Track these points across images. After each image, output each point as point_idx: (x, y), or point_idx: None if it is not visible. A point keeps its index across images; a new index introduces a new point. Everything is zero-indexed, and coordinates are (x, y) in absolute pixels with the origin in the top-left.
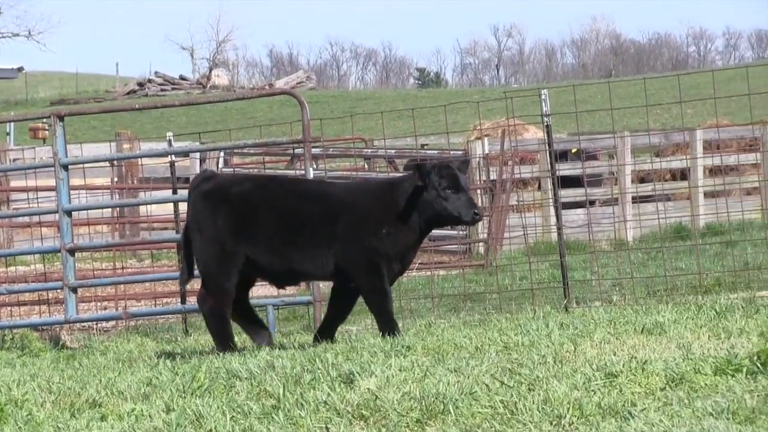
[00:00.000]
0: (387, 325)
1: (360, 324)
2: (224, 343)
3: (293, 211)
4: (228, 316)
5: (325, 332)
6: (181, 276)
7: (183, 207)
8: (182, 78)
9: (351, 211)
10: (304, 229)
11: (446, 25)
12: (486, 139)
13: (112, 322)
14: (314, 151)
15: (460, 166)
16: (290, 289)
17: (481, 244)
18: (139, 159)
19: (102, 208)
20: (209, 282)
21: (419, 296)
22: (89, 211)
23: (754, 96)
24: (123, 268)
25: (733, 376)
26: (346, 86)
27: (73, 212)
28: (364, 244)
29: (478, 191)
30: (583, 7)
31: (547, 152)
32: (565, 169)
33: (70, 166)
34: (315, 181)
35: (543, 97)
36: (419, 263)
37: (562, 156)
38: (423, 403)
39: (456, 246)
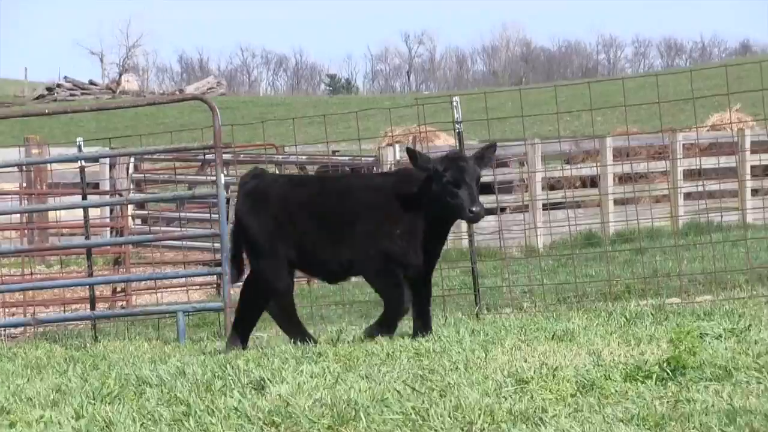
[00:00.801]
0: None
1: (271, 330)
2: (294, 331)
3: (324, 211)
4: (290, 307)
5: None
6: (231, 274)
7: (93, 212)
8: (92, 83)
9: (370, 208)
10: (332, 227)
11: (357, 31)
12: (397, 145)
13: (21, 329)
14: (225, 156)
15: (485, 152)
16: (200, 296)
17: None
18: (48, 164)
19: (10, 213)
20: (261, 280)
21: (330, 302)
22: None
23: (663, 104)
24: (31, 273)
25: (643, 382)
26: (257, 92)
27: None
28: (378, 243)
29: None
30: (493, 15)
31: None
32: None
33: None
34: (349, 177)
35: (454, 104)
36: None
37: None
38: (334, 410)
39: None
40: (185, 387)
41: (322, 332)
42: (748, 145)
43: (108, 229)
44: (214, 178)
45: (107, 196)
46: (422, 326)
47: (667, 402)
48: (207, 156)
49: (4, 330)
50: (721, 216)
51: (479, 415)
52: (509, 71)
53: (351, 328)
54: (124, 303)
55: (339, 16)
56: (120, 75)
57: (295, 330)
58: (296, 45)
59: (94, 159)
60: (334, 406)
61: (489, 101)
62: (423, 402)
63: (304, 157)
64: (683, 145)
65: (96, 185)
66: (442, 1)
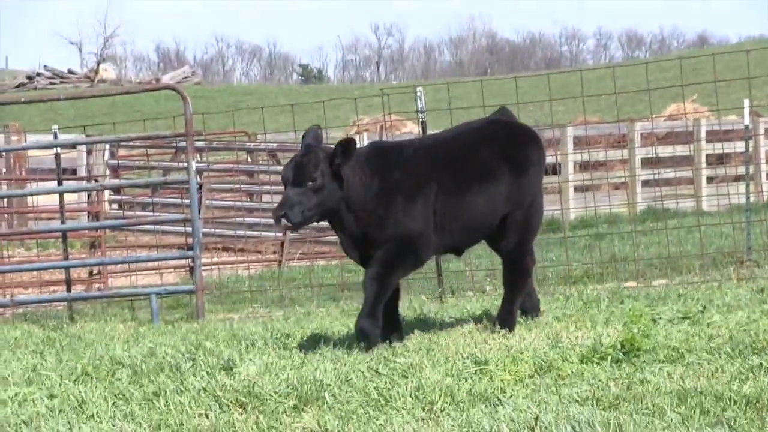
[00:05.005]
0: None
1: (241, 312)
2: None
3: None
4: None
5: None
6: None
7: (70, 197)
8: (71, 72)
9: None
10: None
11: (329, 23)
12: (365, 134)
13: (0, 310)
14: (198, 144)
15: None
16: (174, 278)
17: None
18: (26, 151)
19: None
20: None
21: (299, 285)
22: None
23: (624, 94)
24: (10, 256)
25: (598, 364)
26: (231, 81)
27: None
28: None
29: None
30: (461, 7)
31: None
32: None
33: None
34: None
35: (418, 94)
36: (300, 253)
37: None
38: (300, 390)
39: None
40: (156, 367)
41: (290, 314)
42: (703, 135)
43: (85, 213)
44: (186, 164)
45: (84, 182)
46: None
47: (621, 383)
48: (180, 143)
49: None
50: (677, 203)
51: (440, 396)
52: (475, 62)
53: (319, 310)
54: (101, 285)
55: (311, 7)
56: (98, 64)
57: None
58: (270, 35)
59: (71, 146)
60: (300, 386)
61: (456, 91)
62: (386, 383)
63: (274, 144)
64: (641, 134)
65: (74, 171)
66: None
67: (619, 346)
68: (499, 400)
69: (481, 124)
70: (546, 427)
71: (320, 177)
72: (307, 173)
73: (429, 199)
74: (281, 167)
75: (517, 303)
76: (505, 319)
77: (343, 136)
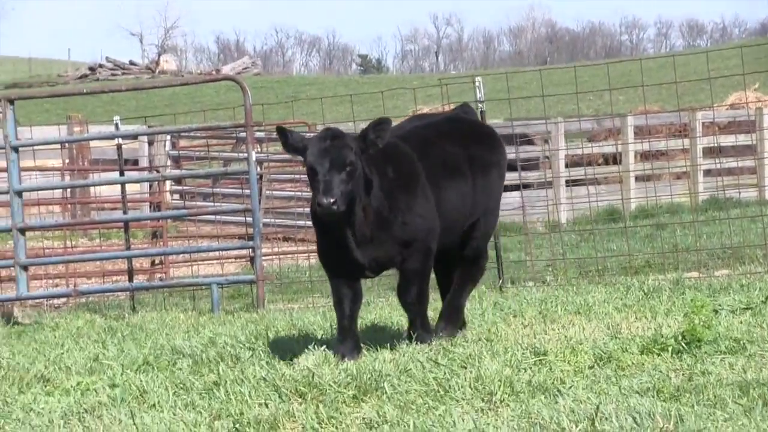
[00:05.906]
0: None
1: (301, 302)
2: None
3: None
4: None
5: None
6: None
7: (133, 188)
8: (132, 63)
9: None
10: None
11: (387, 13)
12: None
13: (63, 299)
14: (258, 134)
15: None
16: (235, 268)
17: None
18: (89, 141)
19: (52, 189)
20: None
21: None
22: (41, 191)
23: (686, 83)
24: (73, 246)
25: (659, 355)
26: (291, 72)
27: (24, 192)
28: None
29: None
30: None
31: None
32: None
33: (21, 148)
34: None
35: (477, 84)
36: None
37: None
38: (359, 380)
39: None
40: (216, 357)
41: None
42: (766, 123)
43: (147, 203)
44: (246, 155)
45: (145, 173)
46: None
47: (682, 374)
48: (240, 134)
49: (47, 300)
50: (740, 192)
51: (499, 386)
52: (534, 51)
53: (379, 300)
54: (163, 275)
55: None
56: (159, 55)
57: None
58: (329, 26)
59: (132, 137)
60: (359, 376)
61: (516, 80)
62: (445, 373)
63: None
64: (703, 123)
65: (135, 162)
66: None
67: (680, 337)
68: (558, 390)
69: (442, 120)
70: (606, 418)
71: (357, 161)
72: (345, 157)
73: (426, 191)
74: None
75: (467, 299)
76: (451, 317)
77: None
